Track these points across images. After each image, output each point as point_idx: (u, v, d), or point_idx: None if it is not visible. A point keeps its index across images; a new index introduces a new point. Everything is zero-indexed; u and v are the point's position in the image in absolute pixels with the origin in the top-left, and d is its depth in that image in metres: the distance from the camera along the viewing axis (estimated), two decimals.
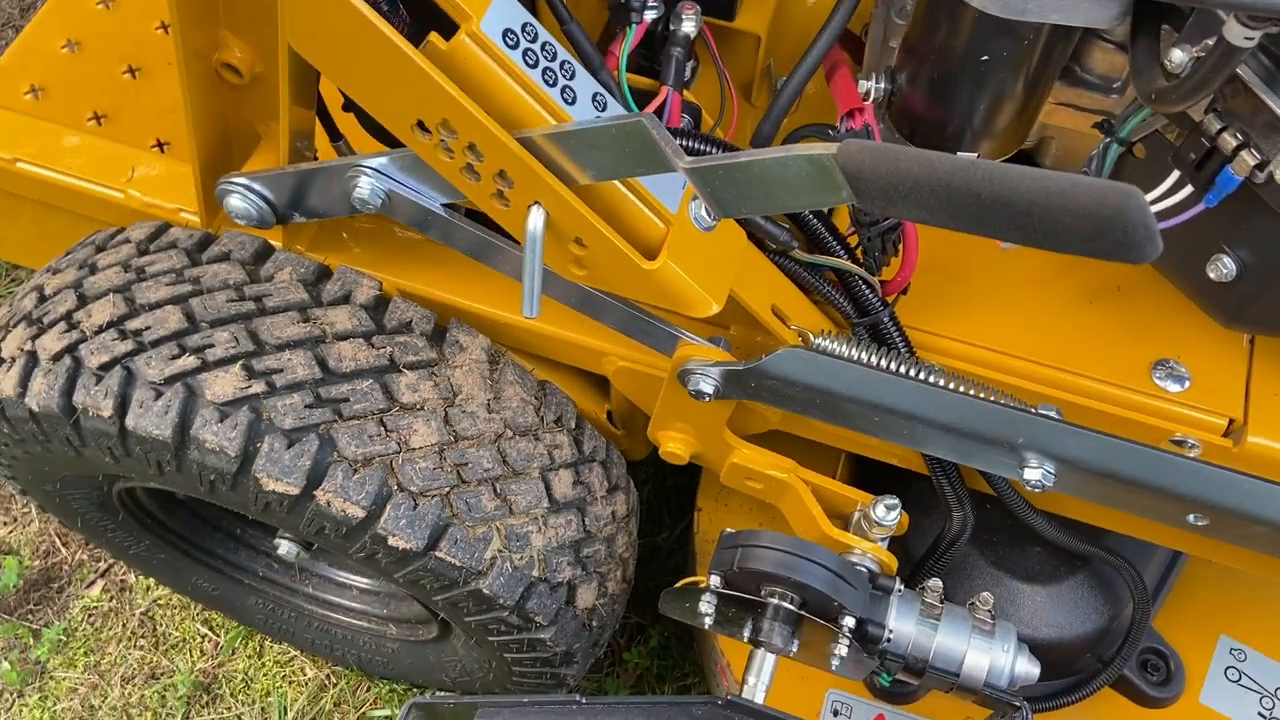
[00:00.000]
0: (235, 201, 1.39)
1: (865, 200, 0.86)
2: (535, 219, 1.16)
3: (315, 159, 1.43)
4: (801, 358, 1.26)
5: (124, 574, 2.18)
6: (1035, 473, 1.23)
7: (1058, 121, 1.37)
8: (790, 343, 1.33)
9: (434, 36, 1.07)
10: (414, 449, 1.33)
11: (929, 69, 1.26)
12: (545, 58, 1.11)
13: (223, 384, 1.29)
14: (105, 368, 1.31)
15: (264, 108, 1.40)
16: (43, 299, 1.42)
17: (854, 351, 1.31)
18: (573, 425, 1.51)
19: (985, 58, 1.19)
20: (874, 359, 1.30)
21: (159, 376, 1.30)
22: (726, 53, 1.57)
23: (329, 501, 1.29)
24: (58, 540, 2.21)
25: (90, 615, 2.15)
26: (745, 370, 1.29)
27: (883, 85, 1.33)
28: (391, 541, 1.32)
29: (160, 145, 1.97)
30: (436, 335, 1.42)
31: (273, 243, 1.46)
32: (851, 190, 0.86)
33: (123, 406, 1.30)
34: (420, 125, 1.12)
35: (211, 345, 1.31)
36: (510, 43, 1.08)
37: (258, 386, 1.30)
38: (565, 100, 1.12)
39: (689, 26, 1.35)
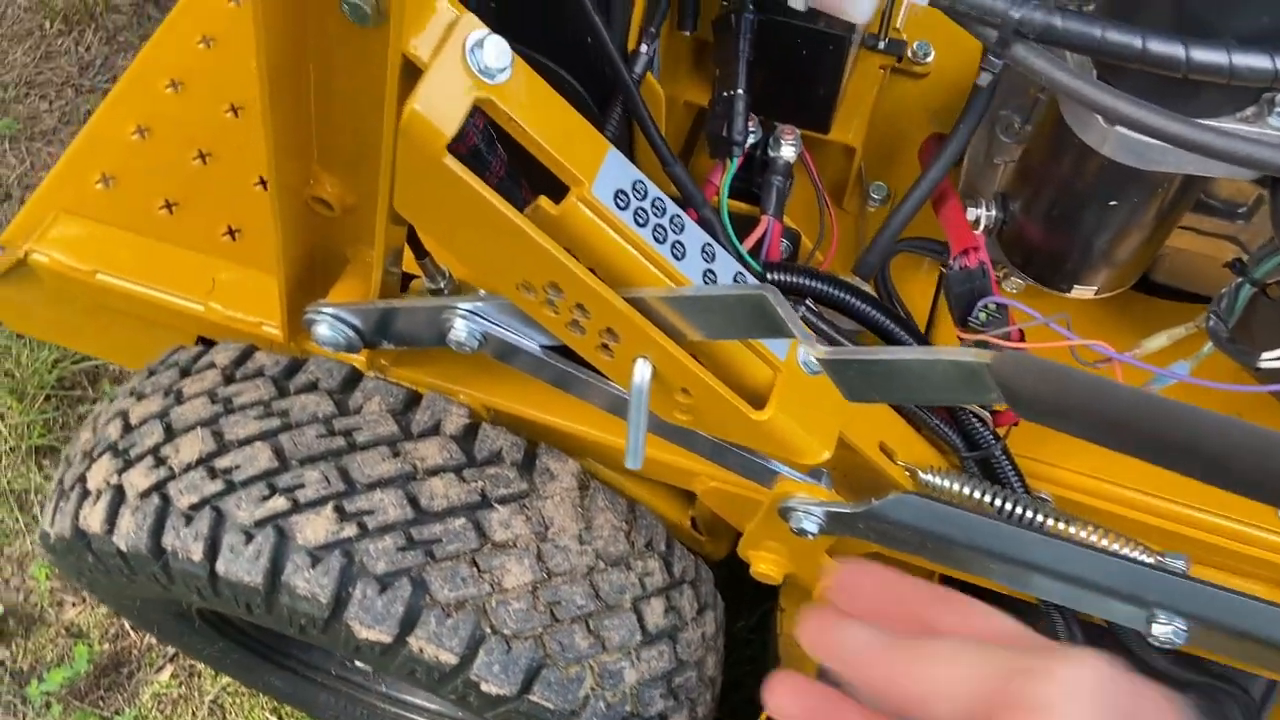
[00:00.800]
0: (323, 330, 1.35)
1: (1019, 410, 0.81)
2: (642, 372, 1.11)
3: (400, 273, 1.41)
4: (914, 505, 1.20)
5: (193, 660, 2.16)
6: (1165, 629, 1.17)
7: (1178, 244, 1.31)
8: (900, 482, 1.27)
9: (543, 201, 1.03)
10: (507, 590, 1.29)
11: (1047, 202, 1.21)
12: (655, 214, 1.07)
13: (314, 527, 1.26)
14: (195, 508, 1.29)
15: (353, 234, 1.37)
16: (128, 428, 1.40)
17: (965, 489, 1.26)
18: (663, 548, 1.47)
19: (1114, 202, 1.13)
20: (987, 497, 1.25)
21: (249, 519, 1.27)
22: (817, 161, 1.53)
23: (421, 649, 1.26)
24: (126, 624, 2.20)
25: (160, 702, 2.14)
26: (853, 514, 1.24)
27: (993, 213, 1.27)
28: (484, 687, 1.28)
29: (231, 233, 1.96)
30: (527, 463, 1.39)
31: (359, 367, 1.43)
32: (1005, 399, 0.81)
33: (213, 550, 1.27)
34: (525, 284, 1.08)
35: (302, 485, 1.28)
36: (621, 203, 1.04)
37: (350, 529, 1.26)
38: (675, 256, 1.08)
39: (789, 152, 1.30)
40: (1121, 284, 1.29)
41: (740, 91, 1.22)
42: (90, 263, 1.61)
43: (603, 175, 1.03)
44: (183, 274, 1.60)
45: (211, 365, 1.44)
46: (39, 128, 2.98)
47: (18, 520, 2.34)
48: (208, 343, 1.69)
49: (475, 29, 0.94)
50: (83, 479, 1.39)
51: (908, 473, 1.30)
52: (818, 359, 0.92)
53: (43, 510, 1.52)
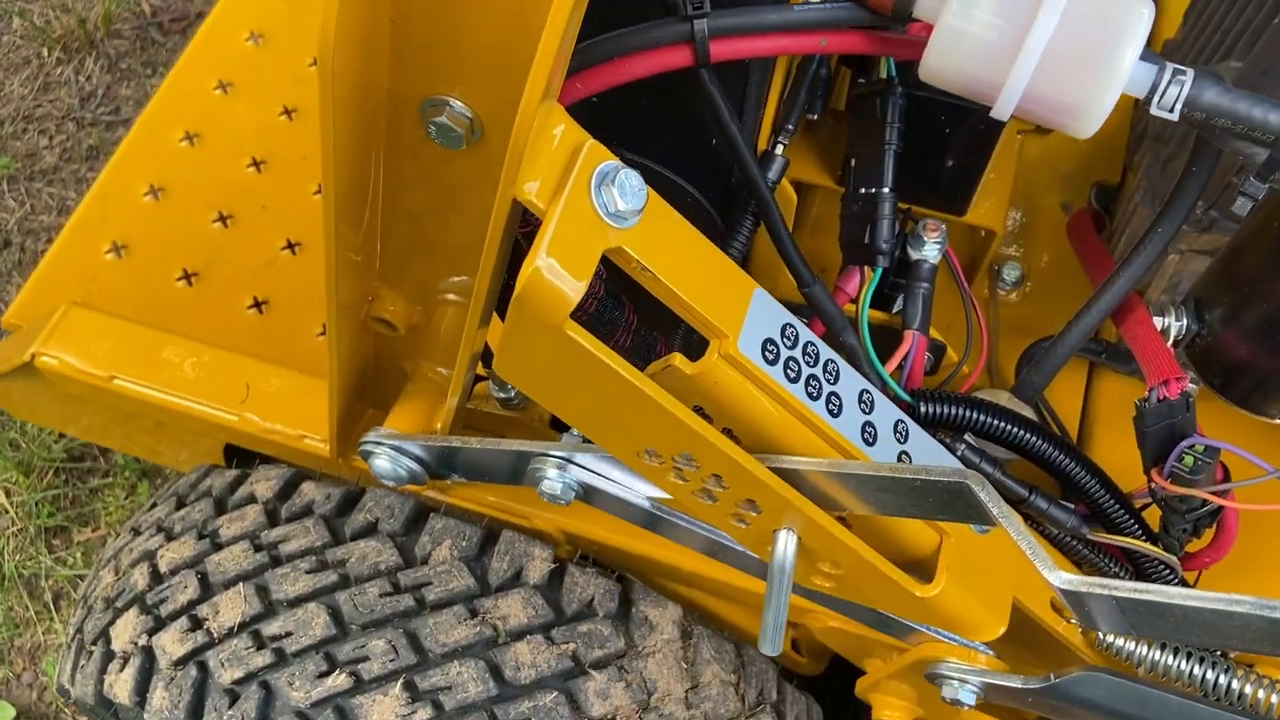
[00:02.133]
0: (382, 464, 1.15)
1: None
2: (785, 547, 0.91)
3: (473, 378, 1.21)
4: (1105, 683, 1.00)
5: None
6: None
7: None
8: (1078, 648, 1.08)
9: (678, 359, 0.82)
10: None
11: (1262, 316, 1.00)
12: (807, 364, 0.87)
13: (382, 709, 1.07)
14: (240, 684, 1.09)
15: (413, 349, 1.17)
16: (157, 577, 1.20)
17: (1155, 655, 1.06)
18: (774, 697, 1.28)
19: None
20: (1178, 663, 1.05)
21: (305, 701, 1.07)
22: (951, 244, 1.32)
23: None
24: None
25: None
26: (1025, 689, 1.04)
27: (1184, 323, 1.07)
28: None
29: (258, 304, 1.76)
30: (622, 613, 1.19)
31: (424, 500, 1.23)
32: None
33: None
34: (650, 452, 0.88)
35: (366, 658, 1.09)
36: (770, 356, 0.84)
37: (424, 713, 1.07)
38: (831, 413, 0.88)
39: (933, 252, 1.09)
40: None
41: (886, 190, 1.01)
42: (105, 367, 1.40)
43: (750, 323, 0.83)
44: (212, 378, 1.39)
45: (252, 499, 1.24)
46: (39, 166, 2.77)
47: (28, 608, 2.15)
48: (234, 450, 1.49)
49: (602, 160, 0.74)
50: (106, 636, 1.19)
51: (1083, 630, 1.10)
52: (1057, 586, 0.72)
53: (60, 659, 1.33)
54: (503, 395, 1.29)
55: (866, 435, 0.91)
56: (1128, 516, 1.07)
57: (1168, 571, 1.09)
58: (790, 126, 0.95)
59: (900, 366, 1.09)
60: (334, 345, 1.11)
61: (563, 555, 1.26)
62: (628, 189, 0.74)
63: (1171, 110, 0.74)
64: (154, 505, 1.37)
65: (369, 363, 1.22)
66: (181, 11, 2.99)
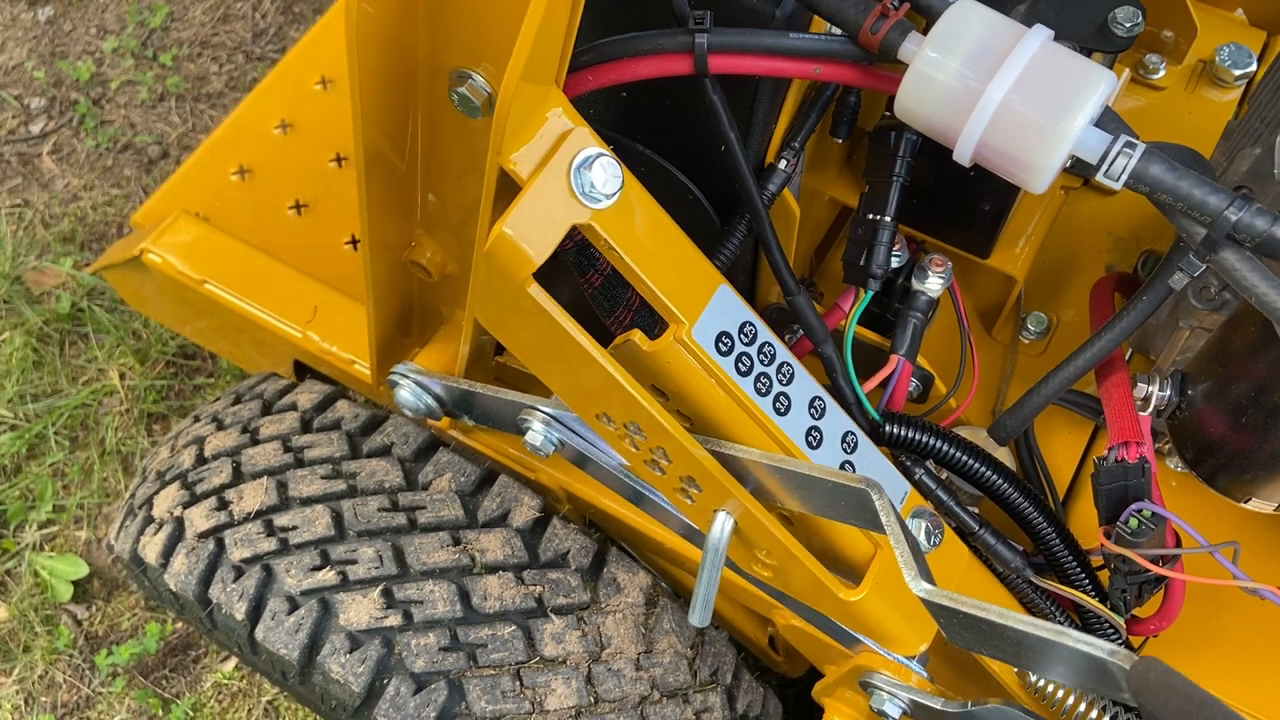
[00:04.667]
0: (405, 395, 1.28)
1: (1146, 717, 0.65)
2: (720, 528, 0.99)
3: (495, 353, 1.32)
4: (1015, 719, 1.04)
5: None
6: None
7: None
8: (1003, 679, 1.11)
9: (637, 335, 0.91)
10: (548, 711, 1.19)
11: (1239, 398, 1.02)
12: (761, 362, 0.94)
13: (359, 609, 1.19)
14: (246, 563, 1.23)
15: (450, 298, 1.29)
16: (201, 459, 1.36)
17: (1079, 705, 1.09)
18: (728, 680, 1.35)
19: None
20: (1105, 718, 1.08)
21: (296, 587, 1.20)
22: (969, 281, 1.36)
23: None
24: None
25: (220, 693, 2.14)
26: (944, 712, 1.09)
27: (1167, 394, 1.09)
28: None
29: (354, 242, 1.91)
30: (593, 570, 1.28)
31: (440, 432, 1.35)
32: (1140, 710, 0.65)
33: (256, 613, 1.21)
34: (605, 415, 0.97)
35: (355, 561, 1.21)
36: (723, 348, 0.91)
37: (394, 618, 1.18)
38: (777, 410, 0.95)
39: (935, 286, 1.14)
40: None
41: (887, 219, 1.07)
42: (200, 271, 1.58)
43: (708, 315, 0.91)
44: (287, 297, 1.55)
45: (293, 407, 1.39)
46: (206, 89, 3.02)
47: (120, 482, 2.38)
48: (302, 367, 1.64)
49: (586, 146, 0.83)
50: (150, 502, 1.36)
51: (1018, 671, 1.13)
52: (920, 596, 0.78)
53: (117, 515, 1.51)
54: None
55: (811, 438, 0.98)
56: (1079, 570, 1.10)
57: (1112, 631, 1.11)
58: (796, 144, 1.01)
59: (883, 388, 1.14)
60: (371, 281, 1.23)
61: (570, 515, 1.36)
62: (605, 174, 0.83)
63: (1117, 180, 0.78)
64: (218, 399, 1.53)
65: (414, 301, 1.35)
66: None
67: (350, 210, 1.94)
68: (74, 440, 2.41)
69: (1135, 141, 0.78)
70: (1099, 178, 0.78)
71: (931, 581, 0.82)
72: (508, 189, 0.85)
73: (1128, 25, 1.08)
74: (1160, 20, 1.55)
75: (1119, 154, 0.77)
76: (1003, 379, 1.36)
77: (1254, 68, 1.53)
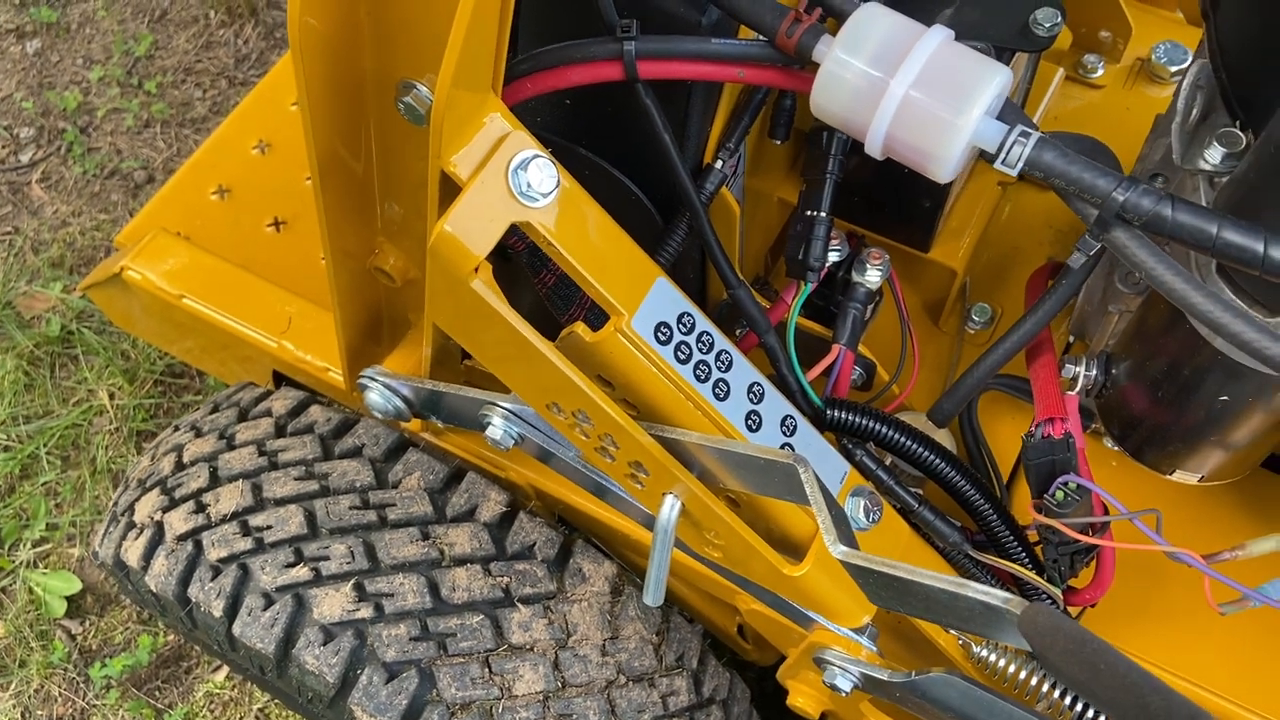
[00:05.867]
0: (374, 397, 1.33)
1: (1044, 666, 0.70)
2: (668, 511, 1.04)
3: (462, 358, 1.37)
4: (957, 687, 1.09)
5: None
6: None
7: None
8: (950, 654, 1.16)
9: (579, 327, 0.96)
10: (516, 696, 1.24)
11: (1155, 376, 1.07)
12: (700, 350, 0.99)
13: (332, 603, 1.24)
14: (223, 563, 1.28)
15: (415, 303, 1.34)
16: (180, 466, 1.41)
17: (1020, 673, 1.13)
18: (694, 665, 1.39)
19: (1224, 397, 0.99)
20: (1045, 686, 1.12)
21: (272, 584, 1.25)
22: (914, 275, 1.41)
23: None
24: None
25: (211, 702, 2.18)
26: (890, 682, 1.13)
27: (1093, 374, 1.14)
28: None
29: None
30: (559, 561, 1.33)
31: (410, 433, 1.40)
32: (1032, 652, 0.70)
33: (233, 610, 1.26)
34: (554, 405, 1.03)
35: (327, 558, 1.26)
36: (662, 337, 0.97)
37: (366, 610, 1.23)
38: (717, 396, 1.00)
39: (873, 278, 1.20)
40: (1231, 475, 1.14)
41: (823, 214, 1.13)
42: (178, 286, 1.63)
43: (646, 306, 0.96)
44: (263, 309, 1.60)
45: (268, 413, 1.44)
46: (190, 114, 3.09)
47: (111, 499, 2.43)
48: (281, 376, 1.70)
49: (523, 148, 0.89)
50: (132, 509, 1.41)
51: (961, 643, 1.18)
52: (837, 558, 0.83)
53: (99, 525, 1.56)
54: None
55: (750, 422, 1.03)
56: (1016, 543, 1.15)
57: (1050, 602, 1.16)
58: (731, 145, 1.07)
59: (827, 376, 1.19)
60: (334, 288, 1.29)
61: (537, 510, 1.41)
62: (541, 174, 0.89)
63: (1014, 167, 0.84)
64: (198, 409, 1.58)
65: (381, 308, 1.40)
66: None
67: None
68: (65, 460, 2.46)
69: (1030, 131, 0.83)
70: (998, 165, 0.84)
71: (855, 547, 0.88)
72: (451, 191, 0.90)
73: (1048, 25, 1.14)
74: (1097, 21, 1.61)
75: (1014, 143, 0.83)
76: (949, 367, 1.41)
77: (1189, 63, 1.59)
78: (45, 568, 2.31)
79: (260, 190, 2.01)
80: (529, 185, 0.88)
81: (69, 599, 2.26)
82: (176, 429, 1.53)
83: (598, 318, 1.14)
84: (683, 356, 0.98)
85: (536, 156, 0.89)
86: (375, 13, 0.89)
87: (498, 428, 1.18)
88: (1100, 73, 1.61)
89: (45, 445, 2.45)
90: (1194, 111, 0.95)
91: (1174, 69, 1.59)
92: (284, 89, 2.16)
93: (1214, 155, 0.92)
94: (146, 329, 1.98)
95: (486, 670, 1.24)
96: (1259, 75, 0.92)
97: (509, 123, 0.90)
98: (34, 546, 2.33)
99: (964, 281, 1.43)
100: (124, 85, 3.07)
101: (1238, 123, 0.93)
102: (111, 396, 2.53)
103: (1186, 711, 0.60)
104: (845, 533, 0.88)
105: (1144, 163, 1.23)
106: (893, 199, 1.27)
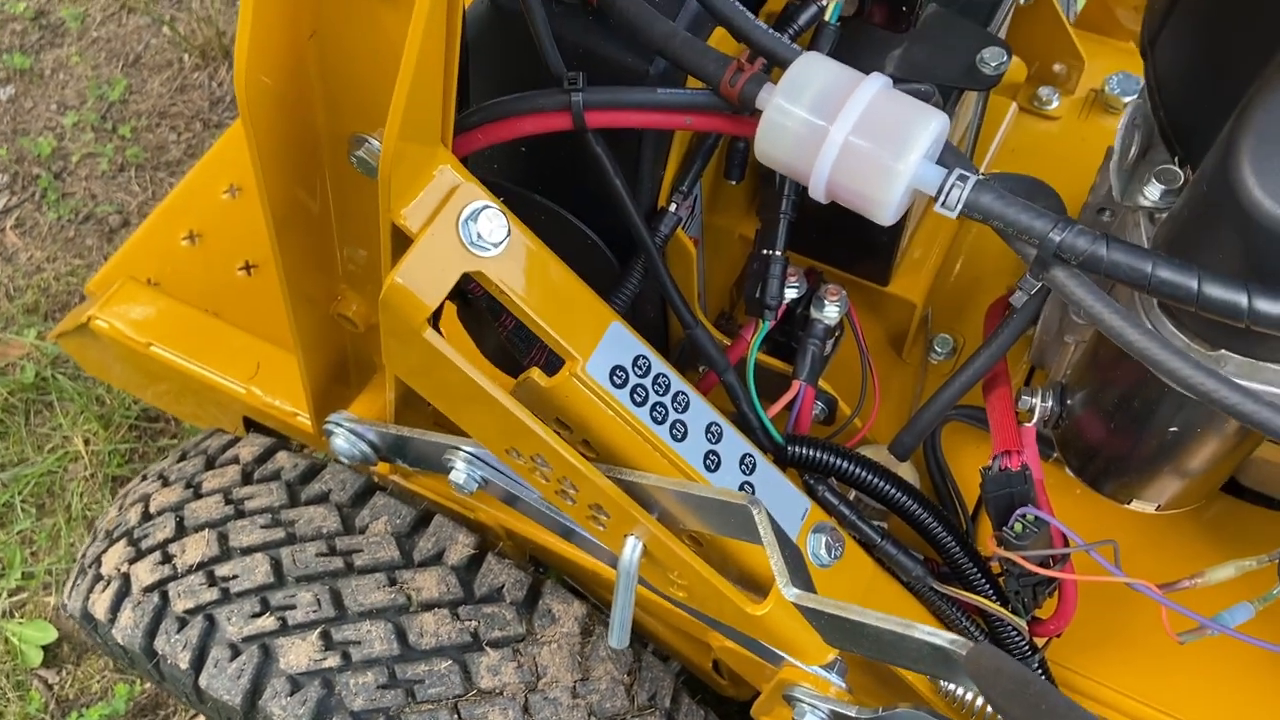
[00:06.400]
0: (340, 443, 1.33)
1: (986, 701, 0.71)
2: (630, 551, 1.04)
3: None
4: None
5: None
6: None
7: (1265, 455, 1.17)
8: (917, 687, 1.16)
9: (535, 373, 0.97)
10: None
11: (1109, 407, 1.08)
12: (656, 392, 1.00)
13: (298, 652, 1.24)
14: (189, 614, 1.28)
15: (379, 347, 1.34)
16: (147, 516, 1.41)
17: (990, 706, 1.14)
18: (667, 704, 1.39)
19: (1174, 429, 1.00)
20: None
21: (238, 635, 1.25)
22: (876, 308, 1.43)
23: None
24: None
25: None
26: (858, 719, 1.14)
27: (1049, 405, 1.15)
28: None
29: None
30: (528, 603, 1.33)
31: (376, 479, 1.40)
32: (980, 693, 0.71)
33: (199, 661, 1.26)
34: (513, 450, 1.03)
35: (294, 606, 1.26)
36: (618, 381, 0.98)
37: (333, 659, 1.23)
38: (674, 437, 1.01)
39: (832, 314, 1.21)
40: (1188, 503, 1.15)
41: (778, 253, 1.14)
42: (146, 335, 1.63)
43: (601, 350, 0.97)
44: (231, 355, 1.60)
45: (235, 460, 1.44)
46: (165, 158, 3.10)
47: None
48: (251, 421, 1.70)
49: (473, 200, 0.90)
50: (99, 560, 1.40)
51: (930, 679, 1.19)
52: (790, 600, 0.84)
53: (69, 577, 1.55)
54: None
55: (709, 461, 1.04)
56: (980, 575, 1.16)
57: (1016, 634, 1.17)
58: (684, 189, 1.08)
59: (789, 412, 1.20)
60: (297, 335, 1.29)
61: (506, 550, 1.41)
62: (491, 224, 0.90)
63: (954, 210, 0.85)
64: (166, 457, 1.58)
65: (346, 352, 1.41)
66: None
67: None
68: (40, 507, 2.45)
69: (968, 174, 0.85)
70: (937, 208, 0.85)
71: (811, 590, 0.88)
72: (403, 243, 0.91)
73: (994, 64, 1.16)
74: (1051, 54, 1.64)
75: (953, 186, 0.84)
76: (914, 398, 1.42)
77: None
78: (21, 617, 2.29)
79: (231, 235, 2.01)
80: (479, 235, 0.89)
81: (45, 648, 2.24)
82: (144, 478, 1.53)
83: (557, 361, 1.15)
84: (639, 399, 0.99)
85: (487, 207, 0.90)
86: (324, 69, 0.90)
87: (461, 472, 1.18)
88: (1055, 105, 1.64)
89: (20, 493, 2.44)
90: (1132, 149, 0.97)
91: (1127, 99, 1.62)
92: None
93: (1153, 192, 0.94)
94: (118, 376, 1.98)
95: (455, 716, 1.23)
96: (1195, 112, 0.94)
97: (459, 174, 0.91)
98: (9, 595, 2.31)
99: (925, 313, 1.45)
100: (98, 130, 3.08)
101: (1176, 159, 0.95)
102: (87, 443, 2.53)
103: None
104: (800, 574, 0.88)
105: (1096, 193, 1.25)
106: (850, 234, 1.29)
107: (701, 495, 0.93)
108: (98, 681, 2.23)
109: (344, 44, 0.87)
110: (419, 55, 0.79)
